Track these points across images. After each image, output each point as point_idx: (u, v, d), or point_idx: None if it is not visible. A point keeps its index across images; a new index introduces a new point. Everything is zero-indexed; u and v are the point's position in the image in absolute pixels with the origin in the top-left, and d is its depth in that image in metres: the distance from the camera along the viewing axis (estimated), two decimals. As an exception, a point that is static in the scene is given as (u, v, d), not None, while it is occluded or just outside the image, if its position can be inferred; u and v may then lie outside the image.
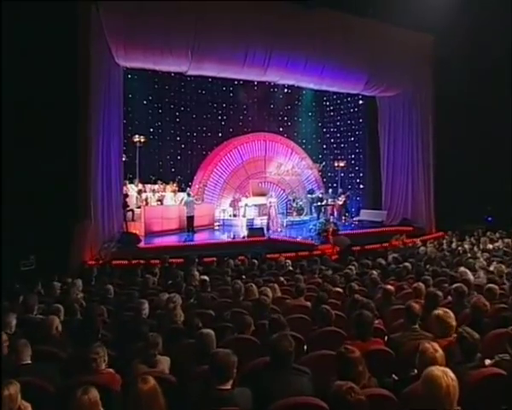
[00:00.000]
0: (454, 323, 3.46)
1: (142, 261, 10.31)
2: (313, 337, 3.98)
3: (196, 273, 7.86)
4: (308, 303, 5.43)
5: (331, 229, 14.94)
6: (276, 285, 6.26)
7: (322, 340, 3.91)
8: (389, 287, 5.18)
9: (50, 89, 10.13)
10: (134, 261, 10.28)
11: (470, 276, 6.26)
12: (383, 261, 8.91)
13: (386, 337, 4.27)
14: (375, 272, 6.95)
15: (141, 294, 6.71)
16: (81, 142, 10.72)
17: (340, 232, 14.15)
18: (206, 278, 7.02)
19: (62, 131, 10.48)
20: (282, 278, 7.55)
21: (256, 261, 9.24)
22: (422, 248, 11.40)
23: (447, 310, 3.56)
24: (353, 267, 8.18)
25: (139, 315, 4.59)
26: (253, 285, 6.00)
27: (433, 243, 12.58)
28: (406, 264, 7.98)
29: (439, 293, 4.64)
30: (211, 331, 3.25)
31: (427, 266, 9.11)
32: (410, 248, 12.26)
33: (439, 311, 3.54)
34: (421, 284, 5.31)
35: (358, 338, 3.50)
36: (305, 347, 4.04)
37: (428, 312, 4.28)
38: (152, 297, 6.12)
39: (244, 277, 8.19)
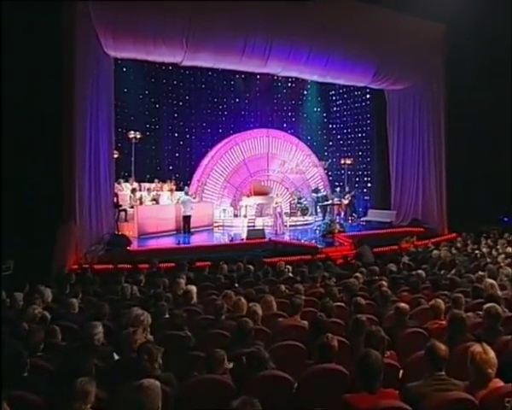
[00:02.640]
0: (495, 368, 2.56)
1: (128, 266, 9.42)
2: (306, 377, 3.08)
3: (182, 281, 6.99)
4: (305, 323, 4.53)
5: (337, 230, 14.12)
6: (271, 298, 5.34)
7: (317, 381, 3.02)
8: (403, 305, 4.26)
9: (30, 80, 9.35)
10: (120, 266, 9.41)
11: (497, 288, 5.32)
12: (393, 267, 7.99)
13: (400, 373, 3.37)
14: (384, 282, 6.01)
15: (114, 307, 5.88)
16: (65, 136, 9.92)
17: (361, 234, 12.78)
18: (190, 287, 6.13)
19: (43, 125, 9.71)
20: (282, 287, 6.67)
21: (252, 267, 8.34)
22: (436, 251, 10.48)
23: (487, 348, 2.64)
24: (360, 275, 7.26)
25: (90, 343, 3.71)
26: (242, 299, 5.12)
27: (446, 245, 11.64)
28: (420, 271, 7.05)
29: (468, 315, 3.72)
30: (154, 384, 2.36)
31: (442, 272, 8.26)
32: (422, 251, 11.30)
33: (477, 349, 2.63)
34: (439, 300, 4.39)
35: (365, 388, 2.60)
36: (296, 385, 3.15)
37: (454, 341, 3.38)
38: (126, 311, 5.26)
39: (237, 285, 7.34)
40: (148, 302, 5.88)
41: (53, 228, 9.76)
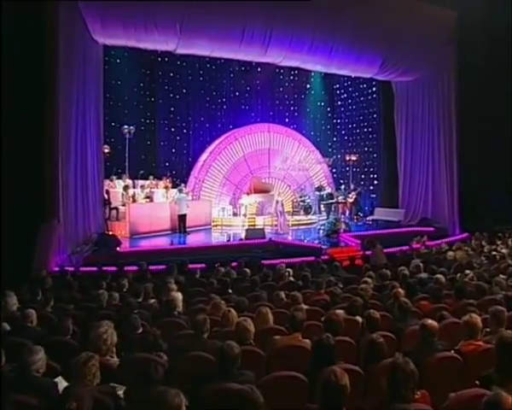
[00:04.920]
0: None
1: (114, 269, 8.62)
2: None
3: (174, 287, 6.16)
4: (307, 342, 3.67)
5: (342, 229, 13.31)
6: (267, 310, 4.48)
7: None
8: (430, 322, 3.39)
9: (7, 67, 8.56)
10: (105, 269, 8.58)
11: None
12: (407, 271, 7.13)
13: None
14: (401, 290, 5.14)
15: (89, 318, 5.07)
16: (47, 128, 9.15)
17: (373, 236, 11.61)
18: (174, 295, 5.31)
19: (24, 116, 8.94)
20: (282, 294, 5.82)
21: (248, 270, 7.50)
22: (451, 252, 9.61)
23: None
24: (370, 280, 6.40)
25: (26, 374, 2.86)
26: (232, 311, 4.29)
27: (461, 246, 10.78)
28: (439, 276, 6.19)
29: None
30: None
31: (458, 275, 7.42)
32: (435, 252, 10.43)
33: None
34: (475, 315, 3.52)
35: None
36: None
37: (505, 375, 2.53)
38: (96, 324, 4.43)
39: (231, 291, 6.52)
40: (124, 313, 5.06)
41: (34, 226, 9.01)
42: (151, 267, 8.93)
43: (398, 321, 4.22)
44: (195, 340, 3.63)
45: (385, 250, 10.85)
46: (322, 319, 4.09)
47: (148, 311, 5.35)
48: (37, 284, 6.75)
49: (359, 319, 4.56)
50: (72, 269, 8.76)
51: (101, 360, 3.37)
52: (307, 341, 3.70)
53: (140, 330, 4.12)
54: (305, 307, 5.06)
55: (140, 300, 5.81)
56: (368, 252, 10.56)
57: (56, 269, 8.81)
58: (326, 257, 10.48)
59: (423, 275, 7.03)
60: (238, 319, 3.97)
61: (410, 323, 4.04)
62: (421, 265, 7.70)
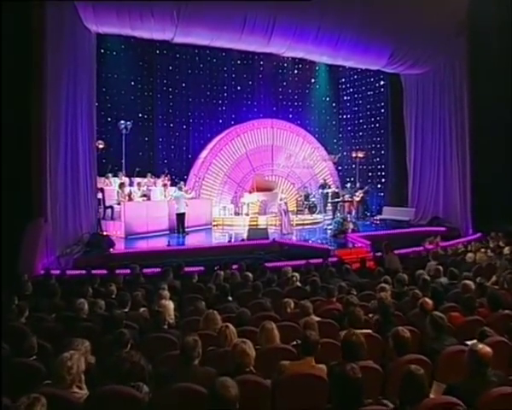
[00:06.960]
0: None
1: (104, 272, 7.94)
2: None
3: (166, 294, 5.47)
4: (322, 369, 2.96)
5: (350, 229, 12.62)
6: (272, 326, 3.72)
7: None
8: (482, 348, 2.65)
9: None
10: (95, 272, 7.90)
11: None
12: (426, 275, 6.41)
13: None
14: (428, 299, 4.40)
15: (57, 332, 4.40)
16: (33, 121, 8.51)
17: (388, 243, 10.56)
18: (165, 303, 4.63)
19: (7, 108, 8.26)
20: (291, 302, 5.12)
21: (250, 274, 6.79)
22: (470, 254, 8.88)
23: None
24: (387, 286, 5.68)
25: None
26: (231, 327, 3.58)
27: (479, 247, 10.06)
28: (467, 282, 5.45)
29: None
30: None
31: (478, 279, 6.71)
32: (452, 254, 9.70)
33: None
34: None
35: None
36: None
37: None
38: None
39: (230, 298, 5.81)
40: (108, 326, 4.36)
41: (18, 227, 8.34)
42: (145, 270, 8.26)
43: (432, 340, 3.48)
44: (184, 367, 2.93)
45: (396, 252, 10.12)
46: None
47: (136, 323, 4.68)
48: (15, 290, 6.07)
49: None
50: (57, 273, 8.07)
51: (64, 394, 2.69)
52: (322, 367, 2.99)
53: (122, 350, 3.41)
54: (317, 318, 4.38)
55: (127, 309, 5.10)
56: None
57: (41, 273, 8.14)
58: (334, 259, 9.77)
59: (444, 279, 6.31)
60: (236, 339, 3.26)
61: (445, 343, 3.33)
62: (440, 268, 6.96)
